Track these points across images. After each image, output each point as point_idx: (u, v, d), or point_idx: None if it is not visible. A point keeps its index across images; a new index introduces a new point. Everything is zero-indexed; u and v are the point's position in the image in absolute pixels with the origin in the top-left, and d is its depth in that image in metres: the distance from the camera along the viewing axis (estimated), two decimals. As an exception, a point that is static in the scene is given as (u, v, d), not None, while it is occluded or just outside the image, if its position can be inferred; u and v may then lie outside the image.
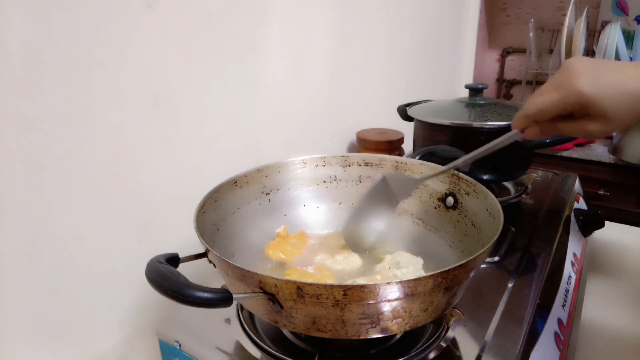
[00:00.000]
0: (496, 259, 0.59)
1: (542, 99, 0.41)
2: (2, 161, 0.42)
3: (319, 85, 0.88)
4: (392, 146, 0.90)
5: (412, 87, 1.32)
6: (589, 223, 0.78)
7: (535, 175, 0.90)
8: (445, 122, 0.70)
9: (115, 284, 0.55)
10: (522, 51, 1.83)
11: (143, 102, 0.54)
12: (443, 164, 0.57)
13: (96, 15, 0.47)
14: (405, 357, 0.43)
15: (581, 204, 0.85)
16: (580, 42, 1.48)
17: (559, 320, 0.53)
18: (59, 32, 0.44)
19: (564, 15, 1.52)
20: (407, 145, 0.93)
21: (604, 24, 1.66)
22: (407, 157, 0.61)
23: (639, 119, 0.39)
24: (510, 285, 0.54)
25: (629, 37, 1.64)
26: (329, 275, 0.50)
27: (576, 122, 0.41)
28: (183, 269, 0.39)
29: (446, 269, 0.35)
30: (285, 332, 0.48)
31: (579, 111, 0.40)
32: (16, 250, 0.45)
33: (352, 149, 1.01)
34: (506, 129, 0.68)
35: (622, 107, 0.38)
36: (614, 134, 1.44)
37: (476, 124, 0.68)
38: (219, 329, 0.48)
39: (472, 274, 0.41)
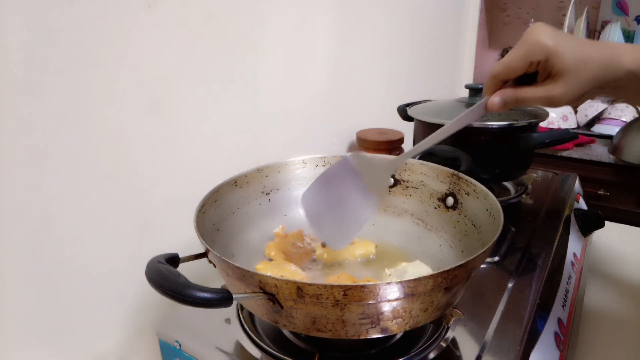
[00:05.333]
0: (496, 259, 0.59)
1: (507, 57, 0.43)
2: (2, 161, 0.42)
3: (319, 85, 0.88)
4: (392, 146, 0.90)
5: (412, 87, 1.33)
6: (589, 223, 0.78)
7: (535, 175, 0.90)
8: (446, 122, 0.70)
9: (115, 284, 0.55)
10: (522, 51, 1.82)
11: (143, 102, 0.54)
12: (443, 164, 0.57)
13: (96, 15, 0.47)
14: (405, 357, 0.43)
15: (581, 204, 0.85)
16: (580, 42, 1.48)
17: (559, 320, 0.53)
18: (59, 32, 0.44)
19: (564, 15, 1.52)
20: (407, 145, 0.93)
21: (604, 24, 1.66)
22: (407, 157, 0.61)
23: (595, 82, 0.42)
24: (510, 285, 0.54)
25: (629, 37, 1.64)
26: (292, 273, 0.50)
27: (539, 86, 0.43)
28: (183, 269, 0.39)
29: (446, 269, 0.35)
30: (285, 332, 0.48)
31: (542, 68, 0.42)
32: (16, 250, 0.45)
33: (352, 149, 1.01)
34: (506, 129, 0.68)
35: (580, 63, 0.41)
36: (615, 131, 1.44)
37: (476, 124, 0.68)
38: (219, 329, 0.48)
39: (472, 274, 0.41)
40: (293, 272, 0.50)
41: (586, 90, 0.42)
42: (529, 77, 0.43)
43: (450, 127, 0.47)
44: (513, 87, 0.44)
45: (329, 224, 0.51)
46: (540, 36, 0.41)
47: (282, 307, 0.37)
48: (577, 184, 0.89)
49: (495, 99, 0.45)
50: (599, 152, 1.47)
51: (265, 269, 0.50)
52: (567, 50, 0.41)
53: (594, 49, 0.42)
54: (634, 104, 1.37)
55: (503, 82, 0.45)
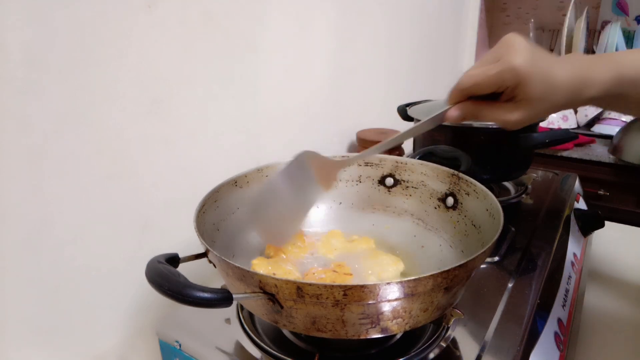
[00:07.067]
0: (496, 259, 0.59)
1: (479, 71, 0.41)
2: (2, 161, 0.42)
3: (319, 85, 0.88)
4: (392, 146, 0.90)
5: (412, 87, 1.33)
6: (589, 223, 0.78)
7: (535, 175, 0.90)
8: (446, 122, 0.70)
9: (115, 284, 0.55)
10: (522, 51, 1.82)
11: (143, 102, 0.54)
12: (443, 164, 0.57)
13: (96, 15, 0.47)
14: (405, 357, 0.43)
15: (581, 204, 0.85)
16: (580, 42, 1.48)
17: (559, 320, 0.53)
18: (59, 32, 0.44)
19: (564, 15, 1.52)
20: (407, 145, 0.93)
21: (604, 24, 1.66)
22: (407, 157, 0.61)
23: (553, 111, 0.42)
24: (510, 285, 0.54)
25: (629, 37, 1.64)
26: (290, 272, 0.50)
27: (500, 107, 0.42)
28: (183, 269, 0.39)
29: (446, 269, 0.35)
30: (285, 332, 0.48)
31: (509, 91, 0.41)
32: (16, 250, 0.45)
33: (352, 149, 1.01)
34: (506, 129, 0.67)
35: (546, 95, 0.40)
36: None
37: (476, 124, 0.68)
38: (219, 329, 0.48)
39: (472, 274, 0.41)
40: (287, 271, 0.50)
41: (545, 116, 0.42)
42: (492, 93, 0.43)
43: (404, 134, 0.48)
44: (474, 103, 0.44)
45: (274, 220, 0.52)
46: (517, 60, 0.39)
47: (282, 307, 0.37)
48: (577, 184, 0.89)
49: (455, 113, 0.44)
50: (599, 152, 1.47)
51: (260, 265, 0.50)
52: (537, 79, 0.39)
53: (565, 74, 0.41)
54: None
55: (468, 97, 0.44)
